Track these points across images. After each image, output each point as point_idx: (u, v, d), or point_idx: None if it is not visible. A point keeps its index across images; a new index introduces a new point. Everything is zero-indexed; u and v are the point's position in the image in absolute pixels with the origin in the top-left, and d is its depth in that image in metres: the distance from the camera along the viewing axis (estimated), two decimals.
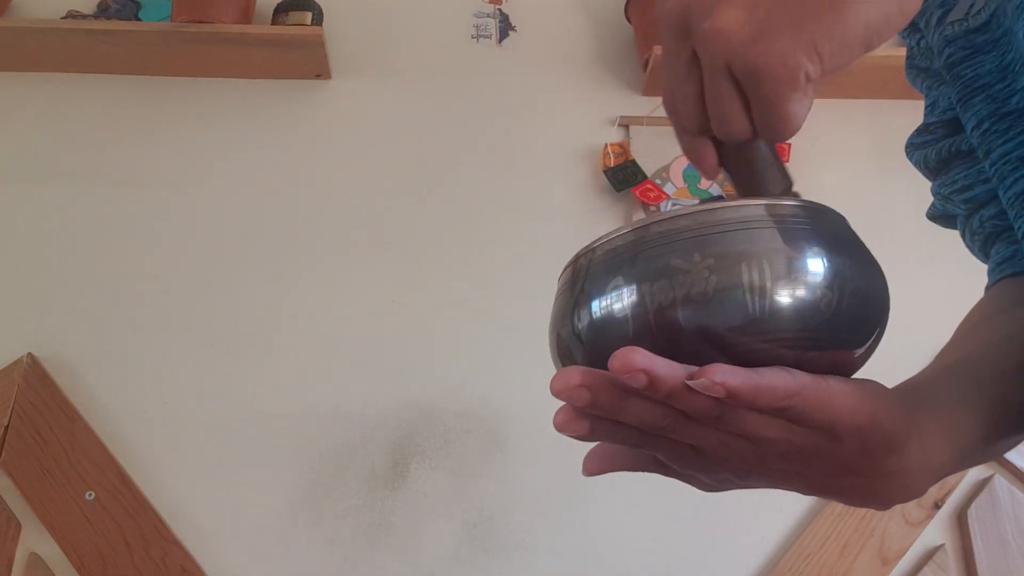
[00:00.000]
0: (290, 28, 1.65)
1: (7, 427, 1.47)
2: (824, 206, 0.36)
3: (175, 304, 1.60)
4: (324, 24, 1.70)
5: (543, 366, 1.62)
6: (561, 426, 0.34)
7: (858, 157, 1.77)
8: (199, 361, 1.57)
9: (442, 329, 1.61)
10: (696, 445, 0.36)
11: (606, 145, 1.72)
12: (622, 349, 0.31)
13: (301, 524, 1.49)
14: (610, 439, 0.35)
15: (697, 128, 0.38)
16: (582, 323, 0.35)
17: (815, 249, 0.33)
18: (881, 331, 0.36)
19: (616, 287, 0.34)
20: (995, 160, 0.48)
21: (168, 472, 1.50)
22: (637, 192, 1.67)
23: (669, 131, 1.74)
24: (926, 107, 0.58)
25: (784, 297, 0.32)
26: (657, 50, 1.66)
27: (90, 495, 1.45)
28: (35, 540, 1.44)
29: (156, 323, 1.58)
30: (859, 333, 0.34)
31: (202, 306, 1.60)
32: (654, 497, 1.50)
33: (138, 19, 1.75)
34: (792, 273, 0.32)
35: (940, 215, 0.61)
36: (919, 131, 0.59)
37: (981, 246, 0.56)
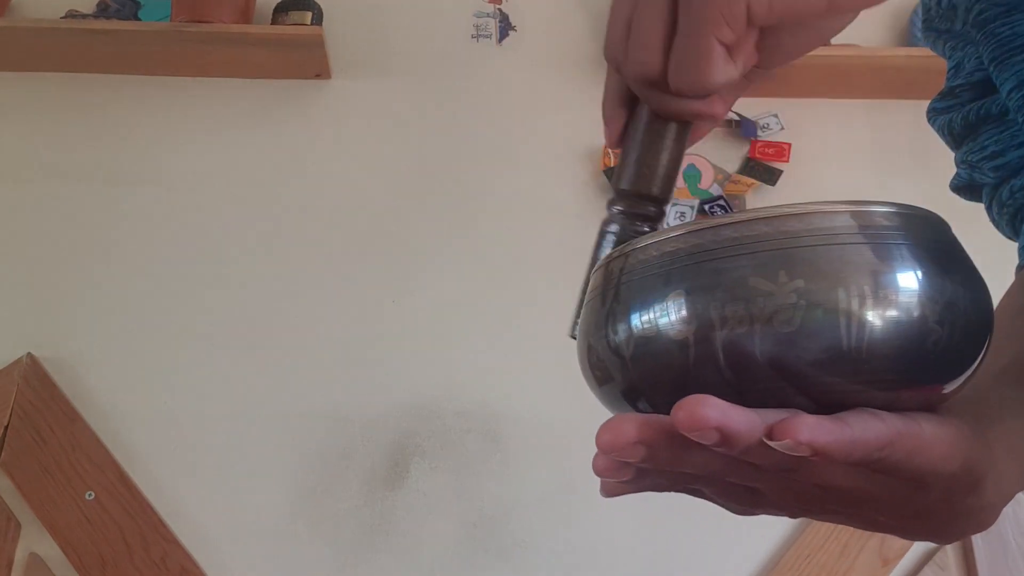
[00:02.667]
0: (290, 28, 1.65)
1: (7, 427, 1.47)
2: (928, 213, 0.30)
3: (175, 304, 1.60)
4: (324, 24, 1.70)
5: (543, 366, 1.62)
6: (602, 471, 0.29)
7: (858, 157, 1.77)
8: (199, 361, 1.56)
9: (442, 329, 1.61)
10: (756, 488, 0.31)
11: (606, 145, 1.72)
12: (689, 400, 0.25)
13: (301, 524, 1.49)
14: (654, 486, 0.31)
15: (615, 61, 0.35)
16: (624, 335, 0.29)
17: (926, 274, 0.27)
18: (983, 357, 0.30)
19: (674, 300, 0.28)
20: None
21: (168, 472, 1.50)
22: None
23: None
24: (948, 70, 0.54)
25: (887, 333, 0.27)
26: None
27: (90, 495, 1.45)
28: (35, 540, 1.44)
29: (156, 323, 1.58)
30: (962, 366, 0.29)
31: (202, 306, 1.60)
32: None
33: (138, 19, 1.75)
34: (899, 305, 0.27)
35: (965, 185, 0.55)
36: (942, 95, 0.54)
37: (1010, 220, 0.51)
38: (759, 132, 1.73)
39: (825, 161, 1.75)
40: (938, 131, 0.55)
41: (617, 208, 0.37)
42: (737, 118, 1.74)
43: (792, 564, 1.48)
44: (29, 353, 1.53)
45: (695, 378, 0.28)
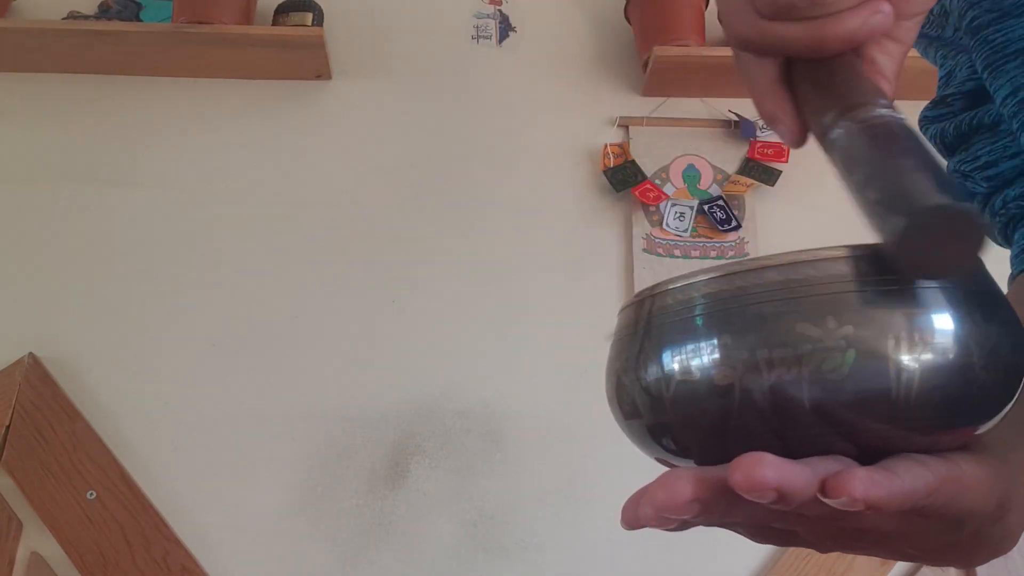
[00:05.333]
0: (291, 29, 1.65)
1: (8, 427, 1.47)
2: None
3: (176, 304, 1.60)
4: (324, 25, 1.71)
5: (543, 366, 1.62)
6: (648, 523, 0.28)
7: None
8: (200, 361, 1.57)
9: (442, 329, 1.61)
10: (795, 530, 0.31)
11: (606, 145, 1.72)
12: (746, 460, 0.25)
13: (301, 523, 1.49)
14: (694, 526, 0.31)
15: (751, 29, 0.31)
16: (660, 377, 0.29)
17: (973, 319, 0.27)
18: (1017, 398, 0.30)
19: (718, 344, 0.28)
20: None
21: (169, 471, 1.50)
22: (637, 192, 1.67)
23: (669, 131, 1.76)
24: (940, 78, 0.54)
25: (934, 379, 0.26)
26: (657, 51, 1.67)
27: (91, 494, 1.45)
28: (36, 539, 1.45)
29: (157, 323, 1.59)
30: (1000, 407, 0.29)
31: (203, 306, 1.60)
32: None
33: (139, 20, 1.75)
34: (947, 351, 0.27)
35: None
36: (934, 104, 0.54)
37: (1002, 229, 0.51)
38: (758, 132, 1.74)
39: (824, 161, 1.75)
40: (930, 140, 0.55)
41: (844, 121, 0.32)
42: (736, 118, 1.75)
43: (792, 563, 1.49)
44: (31, 353, 1.53)
45: (737, 422, 0.28)
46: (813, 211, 1.70)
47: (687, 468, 0.28)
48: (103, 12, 1.76)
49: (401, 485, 1.52)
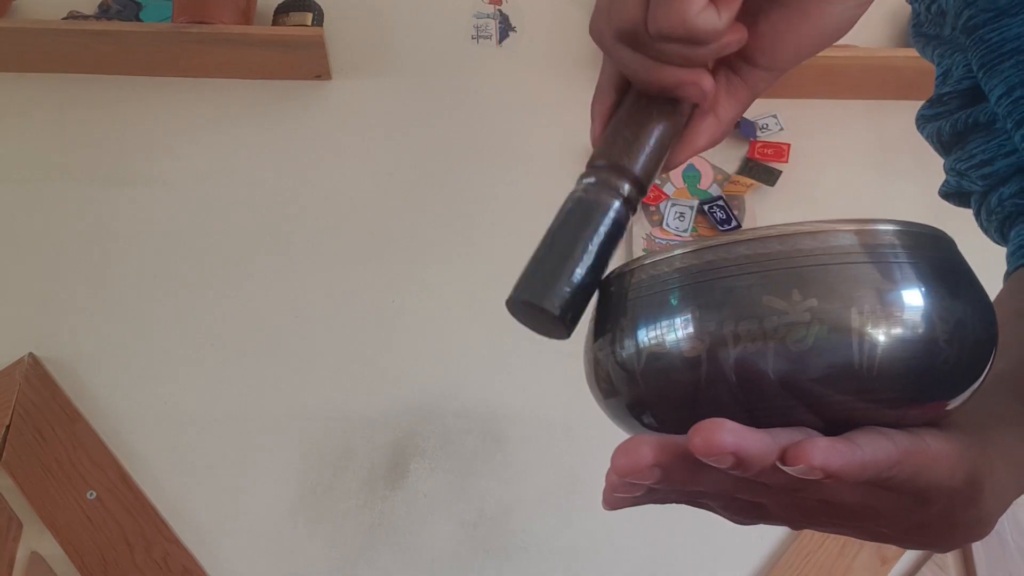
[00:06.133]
0: (290, 29, 1.65)
1: (8, 427, 1.47)
2: (936, 230, 0.30)
3: (176, 304, 1.60)
4: (324, 25, 1.70)
5: (543, 366, 1.62)
6: (616, 489, 0.29)
7: (858, 157, 1.77)
8: (200, 361, 1.57)
9: (442, 329, 1.61)
10: (762, 503, 0.32)
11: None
12: (705, 425, 0.25)
13: (302, 524, 1.49)
14: (660, 500, 0.31)
15: (598, 33, 0.33)
16: (633, 351, 0.30)
17: (937, 294, 0.28)
18: (987, 373, 0.30)
19: (686, 317, 0.28)
20: None
21: (169, 472, 1.50)
22: None
23: None
24: (937, 77, 0.54)
25: (898, 353, 0.27)
26: None
27: (91, 495, 1.45)
28: (36, 540, 1.45)
29: (157, 323, 1.59)
30: (968, 383, 0.30)
31: (203, 306, 1.60)
32: None
33: (139, 20, 1.75)
34: (911, 325, 0.27)
35: (954, 192, 0.55)
36: (931, 102, 0.54)
37: (998, 227, 0.52)
38: (758, 132, 1.74)
39: (824, 162, 1.75)
40: (927, 138, 0.55)
41: (588, 180, 0.35)
42: None
43: (791, 563, 1.49)
44: (31, 353, 1.53)
45: (705, 395, 0.28)
46: (813, 211, 1.70)
47: (650, 435, 0.28)
48: (103, 12, 1.75)
49: (401, 486, 1.52)
